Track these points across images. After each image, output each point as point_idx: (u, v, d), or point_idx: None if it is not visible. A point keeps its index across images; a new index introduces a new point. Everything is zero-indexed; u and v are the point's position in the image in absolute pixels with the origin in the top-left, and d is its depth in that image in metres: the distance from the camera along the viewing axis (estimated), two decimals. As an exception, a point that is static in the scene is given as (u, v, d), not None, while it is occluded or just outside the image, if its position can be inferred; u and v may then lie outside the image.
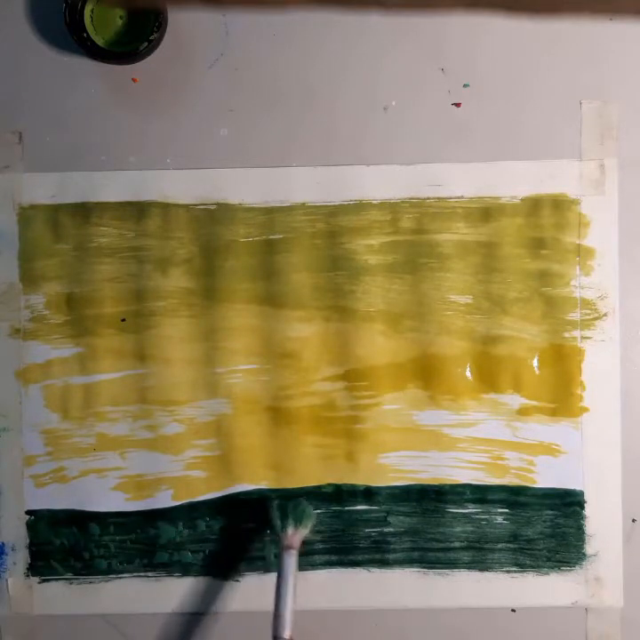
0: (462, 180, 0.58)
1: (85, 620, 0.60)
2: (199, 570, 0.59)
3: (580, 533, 0.58)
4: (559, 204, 0.58)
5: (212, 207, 0.59)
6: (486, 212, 0.58)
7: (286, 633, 0.49)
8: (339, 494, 0.59)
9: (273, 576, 0.59)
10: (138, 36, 0.57)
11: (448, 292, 0.58)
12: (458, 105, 0.58)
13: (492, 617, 0.59)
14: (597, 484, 0.58)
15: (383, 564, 0.59)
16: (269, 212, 0.58)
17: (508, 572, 0.59)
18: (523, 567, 0.58)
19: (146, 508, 0.59)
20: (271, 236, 0.58)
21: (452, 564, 0.59)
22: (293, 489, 0.59)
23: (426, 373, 0.58)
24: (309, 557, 0.59)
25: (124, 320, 0.59)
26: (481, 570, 0.59)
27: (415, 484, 0.58)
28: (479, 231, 0.58)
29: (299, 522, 0.56)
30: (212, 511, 0.59)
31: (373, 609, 0.59)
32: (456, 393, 0.58)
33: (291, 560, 0.53)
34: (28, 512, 0.59)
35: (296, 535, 0.55)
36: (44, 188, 0.59)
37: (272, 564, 0.59)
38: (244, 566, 0.59)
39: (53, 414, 0.59)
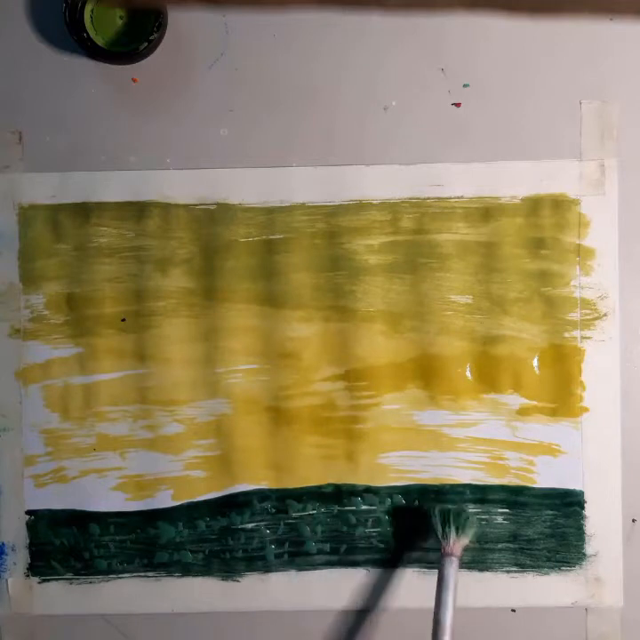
0: (462, 180, 0.58)
1: (85, 620, 0.60)
2: (199, 570, 0.59)
3: (579, 533, 0.58)
4: (559, 204, 0.58)
5: (212, 207, 0.59)
6: (486, 211, 0.58)
7: (446, 638, 0.51)
8: (339, 494, 0.59)
9: (273, 576, 0.59)
10: (138, 36, 0.57)
11: (448, 292, 0.58)
12: (458, 105, 0.58)
13: (492, 617, 0.59)
14: (597, 484, 0.58)
15: (383, 564, 0.59)
16: (269, 212, 0.58)
17: (508, 571, 0.59)
18: (523, 567, 0.58)
19: (146, 508, 0.59)
20: (271, 236, 0.58)
21: (452, 564, 0.59)
22: (293, 489, 0.59)
23: (426, 373, 0.58)
24: (309, 557, 0.59)
25: (124, 320, 0.59)
26: (481, 570, 0.59)
27: (415, 484, 0.58)
28: (479, 231, 0.58)
29: (461, 530, 0.56)
30: (212, 511, 0.59)
31: (373, 609, 0.59)
32: (456, 393, 0.58)
33: (452, 567, 0.53)
34: (28, 512, 0.59)
35: (458, 543, 0.55)
36: (44, 188, 0.59)
37: (272, 564, 0.59)
38: (244, 566, 0.59)
39: (53, 414, 0.59)
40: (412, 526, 0.58)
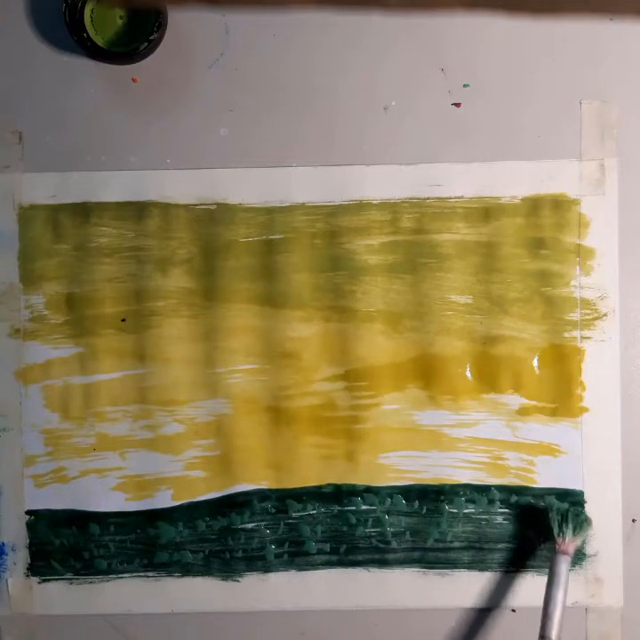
0: (462, 180, 0.58)
1: (85, 619, 0.60)
2: (199, 570, 0.59)
3: (580, 533, 0.58)
4: (559, 204, 0.58)
5: (212, 207, 0.59)
6: (486, 212, 0.58)
7: (554, 633, 0.52)
8: (339, 494, 0.59)
9: (273, 576, 0.59)
10: (138, 36, 0.57)
11: (448, 292, 0.58)
12: (458, 105, 0.58)
13: (492, 617, 0.59)
14: (597, 484, 0.58)
15: (383, 563, 0.59)
16: (269, 212, 0.58)
17: (508, 571, 0.59)
18: (523, 567, 0.58)
19: (146, 508, 0.59)
20: (271, 236, 0.58)
21: (451, 564, 0.59)
22: (293, 489, 0.59)
23: (426, 373, 0.58)
24: (309, 557, 0.59)
25: (124, 320, 0.59)
26: (481, 570, 0.59)
27: (415, 484, 0.58)
28: (479, 231, 0.58)
29: (578, 530, 0.56)
30: (212, 511, 0.59)
31: (373, 609, 0.59)
32: (456, 393, 0.58)
33: (564, 565, 0.54)
34: (28, 512, 0.59)
35: (573, 542, 0.56)
36: (44, 188, 0.59)
37: (272, 564, 0.59)
38: (244, 566, 0.59)
39: (53, 414, 0.59)
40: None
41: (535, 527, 0.58)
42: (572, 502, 0.58)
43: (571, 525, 0.56)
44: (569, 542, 0.55)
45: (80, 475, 0.59)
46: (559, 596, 0.53)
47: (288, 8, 0.57)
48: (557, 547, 0.55)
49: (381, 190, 0.58)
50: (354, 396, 0.58)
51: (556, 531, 0.56)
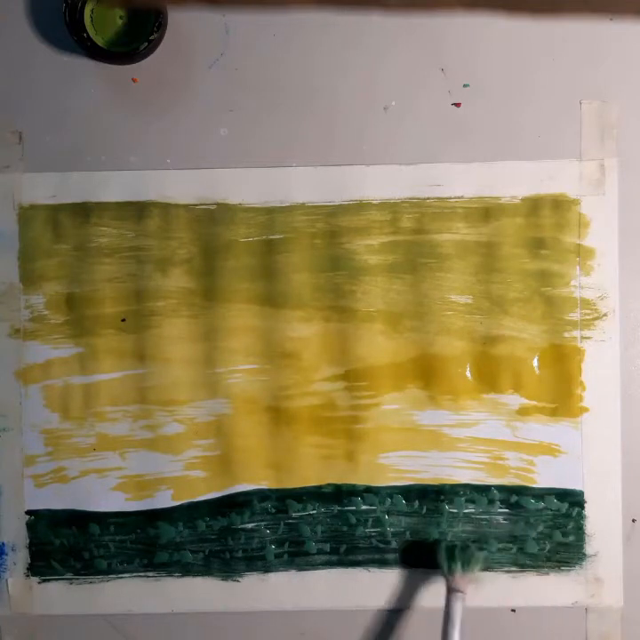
0: (462, 180, 0.58)
1: (85, 619, 0.60)
2: (199, 570, 0.59)
3: (580, 533, 0.58)
4: (559, 204, 0.58)
5: (212, 207, 0.59)
6: (486, 211, 0.58)
7: None
8: (339, 494, 0.59)
9: (273, 576, 0.59)
10: (138, 36, 0.57)
11: (448, 292, 0.58)
12: (458, 105, 0.58)
13: (492, 617, 0.59)
14: (597, 484, 0.58)
15: (383, 564, 0.59)
16: (269, 212, 0.58)
17: (508, 571, 0.59)
18: (523, 567, 0.58)
19: (146, 508, 0.59)
20: (271, 236, 0.58)
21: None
22: (293, 489, 0.59)
23: (426, 373, 0.58)
24: (309, 557, 0.59)
25: (124, 320, 0.59)
26: (481, 570, 0.58)
27: (415, 484, 0.58)
28: (479, 231, 0.58)
29: (467, 565, 0.56)
30: (212, 511, 0.59)
31: (373, 609, 0.59)
32: (456, 393, 0.58)
33: (458, 603, 0.53)
34: (28, 512, 0.59)
35: (464, 578, 0.55)
36: (44, 188, 0.59)
37: (272, 564, 0.59)
38: (244, 566, 0.59)
39: (53, 414, 0.59)
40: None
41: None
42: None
43: (459, 561, 0.56)
44: (460, 579, 0.55)
45: (80, 475, 0.59)
46: (455, 636, 0.52)
47: (288, 8, 0.57)
48: (449, 584, 0.55)
49: (381, 190, 0.58)
50: (354, 396, 0.58)
51: (445, 568, 0.56)
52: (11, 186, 0.59)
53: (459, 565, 0.56)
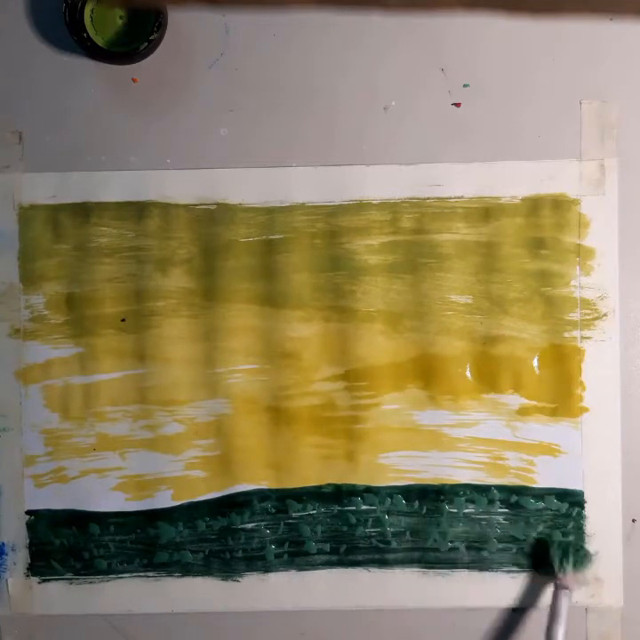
0: (462, 180, 0.58)
1: (85, 619, 0.60)
2: (199, 570, 0.59)
3: (580, 533, 0.58)
4: (559, 204, 0.58)
5: (212, 207, 0.59)
6: (486, 211, 0.58)
7: None
8: (339, 494, 0.59)
9: (273, 576, 0.59)
10: (138, 36, 0.57)
11: (448, 292, 0.58)
12: (458, 105, 0.58)
13: (492, 617, 0.59)
14: (597, 484, 0.58)
15: (383, 564, 0.59)
16: (269, 212, 0.58)
17: (508, 571, 0.59)
18: (523, 567, 0.58)
19: (146, 508, 0.59)
20: (271, 236, 0.58)
21: (452, 564, 0.59)
22: (293, 489, 0.59)
23: (426, 373, 0.58)
24: (309, 557, 0.59)
25: (124, 320, 0.59)
26: (481, 570, 0.59)
27: (415, 484, 0.58)
28: (479, 231, 0.58)
29: (579, 565, 0.57)
30: (212, 511, 0.59)
31: (373, 609, 0.59)
32: (456, 393, 0.58)
33: (565, 600, 0.55)
34: (28, 512, 0.59)
35: (574, 577, 0.56)
36: (44, 188, 0.59)
37: (272, 564, 0.59)
38: (244, 566, 0.59)
39: (53, 414, 0.59)
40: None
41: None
42: (573, 535, 0.58)
43: (572, 560, 0.57)
44: (570, 577, 0.56)
45: (80, 475, 0.59)
46: (560, 632, 0.53)
47: (288, 8, 0.57)
48: (558, 581, 0.56)
49: (381, 190, 0.58)
50: (354, 396, 0.58)
51: (556, 566, 0.57)
52: (11, 186, 0.59)
53: (571, 564, 0.57)
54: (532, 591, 0.58)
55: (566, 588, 0.56)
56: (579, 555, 0.57)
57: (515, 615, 0.59)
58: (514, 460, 0.58)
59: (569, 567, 0.57)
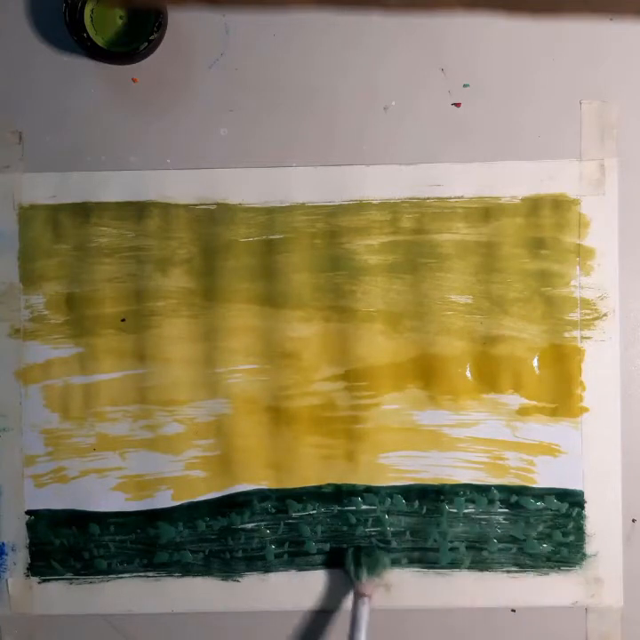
0: (462, 180, 0.58)
1: (85, 619, 0.60)
2: (199, 570, 0.59)
3: (580, 533, 0.58)
4: (559, 204, 0.58)
5: (212, 207, 0.59)
6: (486, 211, 0.58)
7: None
8: (339, 494, 0.59)
9: (273, 576, 0.59)
10: (138, 36, 0.57)
11: (448, 292, 0.58)
12: (458, 105, 0.58)
13: (492, 617, 0.59)
14: (597, 484, 0.58)
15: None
16: (269, 212, 0.58)
17: (508, 571, 0.59)
18: (523, 567, 0.58)
19: (146, 508, 0.59)
20: (271, 236, 0.58)
21: (451, 564, 0.59)
22: (293, 489, 0.59)
23: (426, 373, 0.58)
24: (309, 557, 0.59)
25: (124, 320, 0.59)
26: (481, 570, 0.59)
27: (415, 484, 0.59)
28: (479, 231, 0.58)
29: (372, 570, 0.57)
30: (212, 511, 0.59)
31: (374, 609, 0.59)
32: (456, 393, 0.58)
33: (364, 608, 0.54)
34: (28, 512, 0.59)
35: (370, 583, 0.56)
36: (44, 188, 0.59)
37: (272, 564, 0.59)
38: (244, 566, 0.59)
39: (53, 414, 0.59)
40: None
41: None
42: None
43: (365, 566, 0.57)
44: (366, 584, 0.56)
45: (80, 475, 0.59)
46: (361, 638, 0.53)
47: (288, 8, 0.57)
48: (355, 589, 0.56)
49: (381, 190, 0.58)
50: (354, 396, 0.58)
51: (351, 574, 0.57)
52: (11, 186, 0.59)
53: (364, 570, 0.56)
54: (531, 591, 0.59)
55: (364, 595, 0.55)
56: (371, 559, 0.57)
57: (514, 615, 0.59)
58: (514, 460, 0.58)
59: (364, 574, 0.56)
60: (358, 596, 0.55)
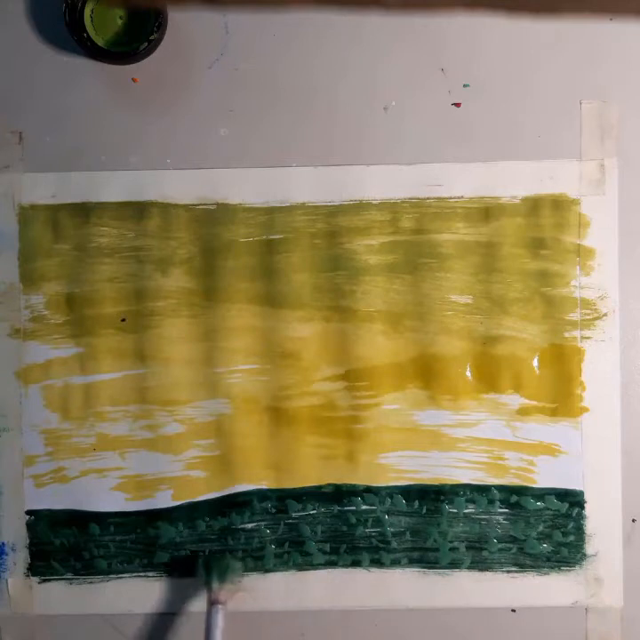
0: (462, 180, 0.58)
1: (85, 619, 0.60)
2: (199, 570, 0.59)
3: (580, 533, 0.58)
4: (559, 204, 0.58)
5: (212, 207, 0.59)
6: (486, 211, 0.58)
7: None
8: (339, 494, 0.59)
9: (273, 576, 0.59)
10: (138, 36, 0.57)
11: (448, 292, 0.58)
12: (458, 105, 0.58)
13: (492, 617, 0.59)
14: (597, 484, 0.58)
15: (383, 564, 0.59)
16: (269, 212, 0.58)
17: (508, 572, 0.59)
18: (523, 567, 0.58)
19: (146, 508, 0.59)
20: (271, 236, 0.58)
21: (451, 564, 0.59)
22: (293, 489, 0.59)
23: (426, 373, 0.58)
24: (309, 557, 0.59)
25: (124, 320, 0.59)
26: (481, 570, 0.59)
27: (415, 484, 0.59)
28: (479, 231, 0.58)
29: (223, 577, 0.57)
30: (212, 511, 0.59)
31: (373, 609, 0.59)
32: (456, 393, 0.58)
33: (217, 615, 0.55)
34: (28, 512, 0.59)
35: (221, 590, 0.56)
36: (44, 188, 0.59)
37: (272, 564, 0.59)
38: (244, 566, 0.59)
39: (53, 414, 0.59)
40: None
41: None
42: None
43: (215, 574, 0.57)
44: (217, 591, 0.56)
45: (80, 475, 0.59)
46: None
47: (288, 8, 0.57)
48: (208, 597, 0.56)
49: (381, 190, 0.58)
50: (354, 396, 0.58)
51: (203, 581, 0.57)
52: (11, 186, 0.59)
53: (216, 577, 0.57)
54: (531, 591, 0.59)
55: (218, 602, 0.55)
56: (222, 567, 0.57)
57: (514, 615, 0.59)
58: (514, 460, 0.58)
59: (216, 581, 0.57)
60: (212, 604, 0.55)
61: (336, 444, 0.58)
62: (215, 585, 0.57)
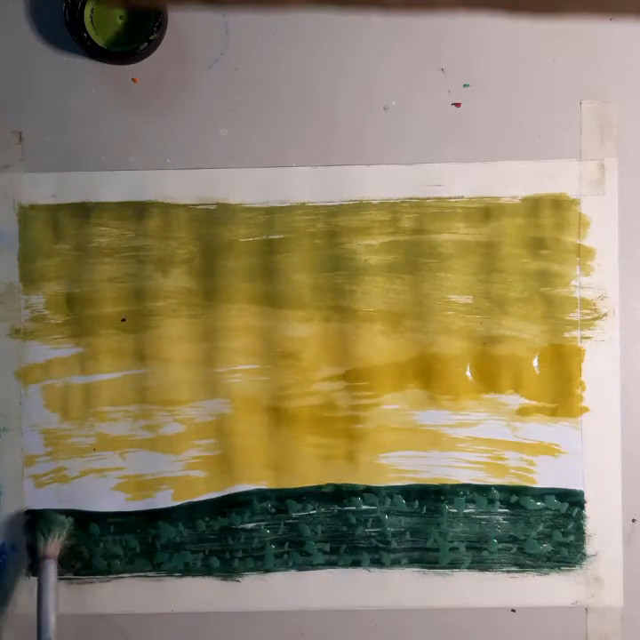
0: (462, 180, 0.58)
1: (85, 619, 0.60)
2: (199, 570, 0.59)
3: (580, 533, 0.58)
4: (559, 204, 0.58)
5: (212, 207, 0.59)
6: (486, 211, 0.58)
7: (51, 636, 0.56)
8: (339, 494, 0.59)
9: (273, 576, 0.59)
10: (138, 36, 0.57)
11: (448, 292, 0.58)
12: (458, 105, 0.58)
13: (492, 617, 0.59)
14: (597, 484, 0.58)
15: (383, 564, 0.59)
16: (269, 212, 0.58)
17: (508, 572, 0.59)
18: (523, 567, 0.58)
19: (146, 508, 0.59)
20: (271, 236, 0.58)
21: (451, 564, 0.59)
22: (293, 489, 0.59)
23: (426, 373, 0.58)
24: (309, 557, 0.59)
25: (124, 320, 0.59)
26: (481, 570, 0.59)
27: (415, 484, 0.59)
28: (479, 231, 0.58)
29: (52, 533, 0.58)
30: (212, 511, 0.59)
31: (373, 609, 0.59)
32: (456, 393, 0.58)
33: (48, 570, 0.57)
34: (28, 512, 0.59)
35: (50, 545, 0.57)
36: (44, 188, 0.59)
37: (272, 564, 0.59)
38: (244, 566, 0.59)
39: (53, 414, 0.59)
40: None
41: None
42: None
43: (43, 529, 0.58)
44: (46, 546, 0.57)
45: (80, 475, 0.59)
46: (49, 602, 0.56)
47: (288, 8, 0.57)
48: (40, 553, 0.57)
49: (381, 190, 0.58)
50: (354, 396, 0.58)
51: (39, 539, 0.58)
52: (11, 186, 0.59)
53: (43, 533, 0.58)
54: (531, 591, 0.58)
55: (47, 557, 0.57)
56: (48, 523, 0.58)
57: (514, 615, 0.59)
58: (514, 460, 0.58)
59: (49, 537, 0.58)
60: (42, 559, 0.57)
61: (336, 444, 0.58)
62: (43, 541, 0.58)
